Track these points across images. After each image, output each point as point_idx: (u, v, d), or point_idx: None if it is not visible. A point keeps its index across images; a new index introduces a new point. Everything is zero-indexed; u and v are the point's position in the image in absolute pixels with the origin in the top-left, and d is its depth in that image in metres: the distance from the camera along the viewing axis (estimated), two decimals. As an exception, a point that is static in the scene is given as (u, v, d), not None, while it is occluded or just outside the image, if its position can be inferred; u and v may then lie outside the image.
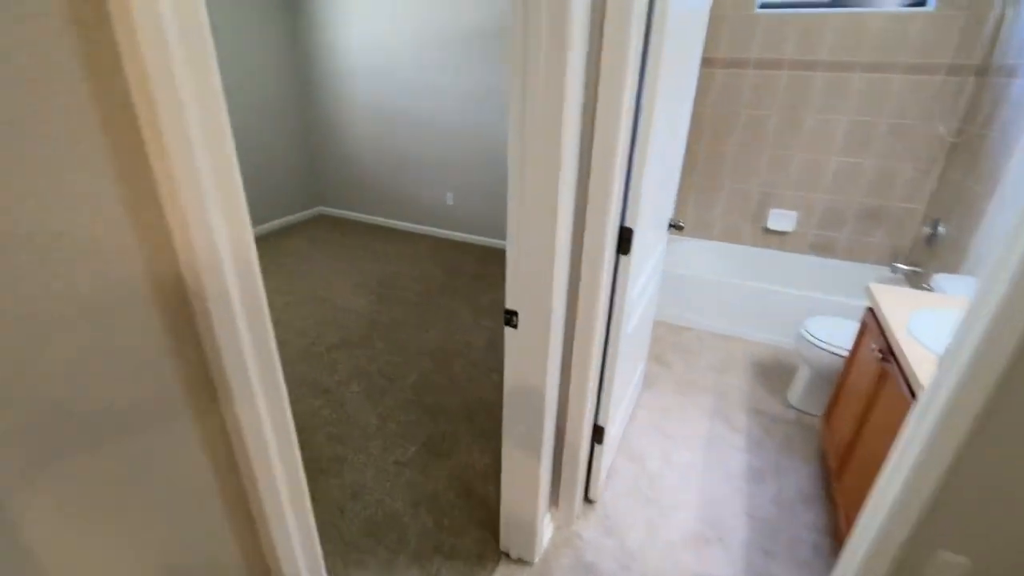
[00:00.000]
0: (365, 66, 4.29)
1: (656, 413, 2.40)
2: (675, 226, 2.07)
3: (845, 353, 2.09)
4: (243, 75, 4.10)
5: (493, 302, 3.44)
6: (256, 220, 4.50)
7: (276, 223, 4.72)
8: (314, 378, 2.58)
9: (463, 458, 2.10)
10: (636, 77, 1.20)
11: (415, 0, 3.86)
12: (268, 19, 4.19)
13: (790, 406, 2.48)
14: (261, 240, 4.41)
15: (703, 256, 3.50)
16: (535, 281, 1.24)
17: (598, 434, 1.74)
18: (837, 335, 2.21)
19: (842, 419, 1.91)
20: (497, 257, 4.23)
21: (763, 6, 2.94)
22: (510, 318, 1.31)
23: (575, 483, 1.72)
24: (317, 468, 2.03)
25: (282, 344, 2.86)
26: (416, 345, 2.90)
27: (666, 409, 2.43)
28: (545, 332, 1.29)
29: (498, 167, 4.10)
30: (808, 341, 2.25)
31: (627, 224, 1.39)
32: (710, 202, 3.42)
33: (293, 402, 2.40)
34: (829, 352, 2.17)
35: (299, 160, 4.82)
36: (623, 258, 1.44)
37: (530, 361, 1.35)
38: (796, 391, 2.47)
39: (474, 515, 1.85)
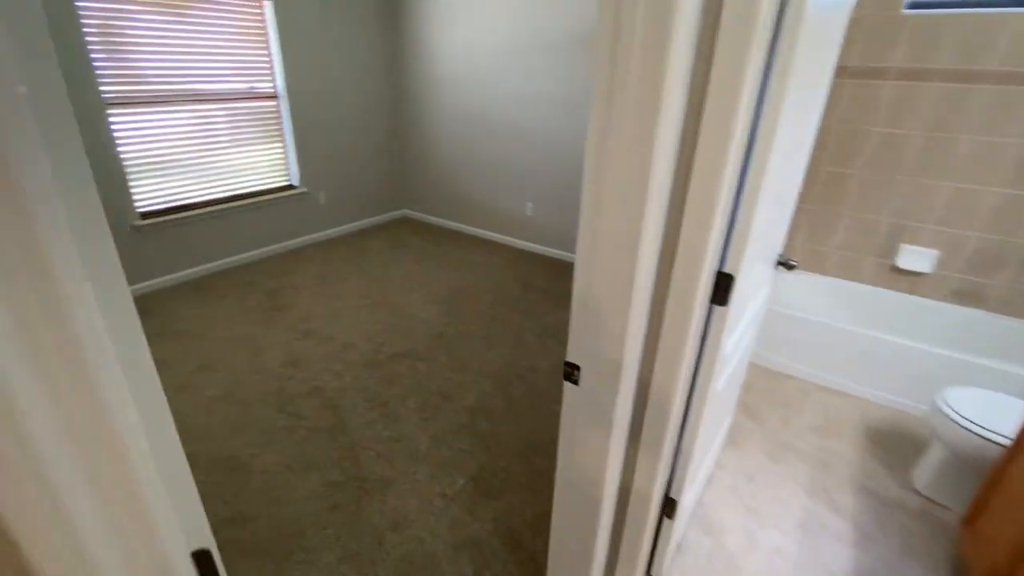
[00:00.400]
0: (455, 73, 4.27)
1: (740, 478, 2.06)
2: (785, 264, 1.74)
3: (1006, 442, 1.64)
4: (345, 77, 4.24)
5: (561, 322, 3.23)
6: (342, 220, 4.66)
7: (361, 223, 4.85)
8: (374, 389, 2.53)
9: (513, 501, 1.92)
10: (755, 94, 0.95)
11: (508, 7, 3.76)
12: (371, 27, 4.31)
13: (915, 491, 2.02)
14: (344, 240, 4.54)
15: (813, 293, 3.04)
16: (604, 333, 1.03)
17: (669, 507, 1.48)
18: (992, 415, 1.75)
19: (1000, 527, 1.49)
20: (571, 272, 4.01)
21: (913, 6, 2.47)
22: (571, 372, 1.11)
23: (636, 559, 1.47)
24: (362, 488, 1.95)
25: (349, 348, 2.86)
26: (479, 363, 2.77)
27: (753, 475, 2.08)
28: (612, 394, 1.07)
29: (580, 179, 3.88)
30: (949, 417, 1.81)
31: (726, 270, 1.13)
32: (826, 231, 2.96)
33: (350, 413, 2.40)
34: (980, 436, 1.72)
35: (388, 163, 4.93)
36: (718, 308, 1.18)
37: (592, 425, 1.14)
38: (925, 473, 2.01)
39: (519, 571, 1.66)
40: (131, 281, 3.34)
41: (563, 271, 4.03)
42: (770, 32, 0.91)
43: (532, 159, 4.12)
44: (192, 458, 2.05)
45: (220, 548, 1.72)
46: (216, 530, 1.79)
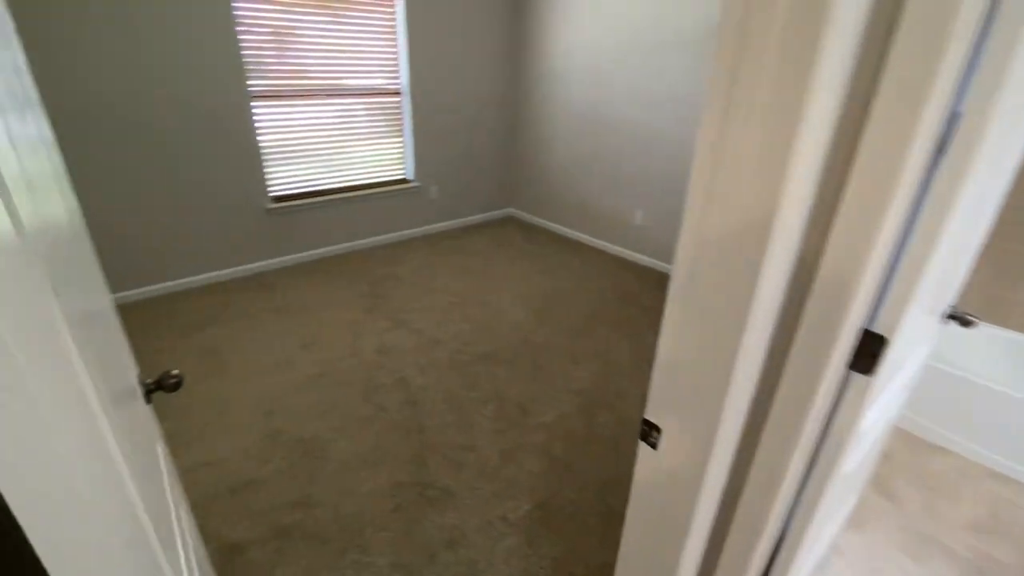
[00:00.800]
0: (573, 70, 4.11)
1: (863, 570, 1.67)
2: (959, 319, 1.35)
3: None
4: (465, 75, 4.31)
5: (663, 346, 2.94)
6: (450, 215, 4.76)
7: (468, 220, 4.92)
8: (453, 390, 2.50)
9: (578, 542, 1.75)
10: (948, 96, 0.68)
11: (636, 2, 3.51)
12: (494, 26, 4.32)
13: None
14: (450, 235, 4.64)
15: (989, 350, 2.42)
16: (695, 396, 0.83)
17: (761, 603, 1.21)
18: None
19: None
20: (681, 291, 3.66)
21: None
22: (649, 432, 0.92)
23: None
24: (424, 496, 1.90)
25: (436, 344, 2.87)
26: (563, 378, 2.62)
27: (880, 570, 1.67)
28: (697, 476, 0.86)
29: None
30: None
31: (877, 330, 0.86)
32: (1015, 274, 2.33)
33: (428, 411, 2.39)
34: None
35: (499, 161, 4.93)
36: (858, 377, 0.91)
37: (668, 504, 0.94)
38: None
39: (572, 625, 1.49)
40: (260, 258, 3.70)
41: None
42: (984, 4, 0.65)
43: (648, 163, 3.83)
44: (279, 435, 2.17)
45: (284, 529, 1.75)
46: (285, 509, 1.89)
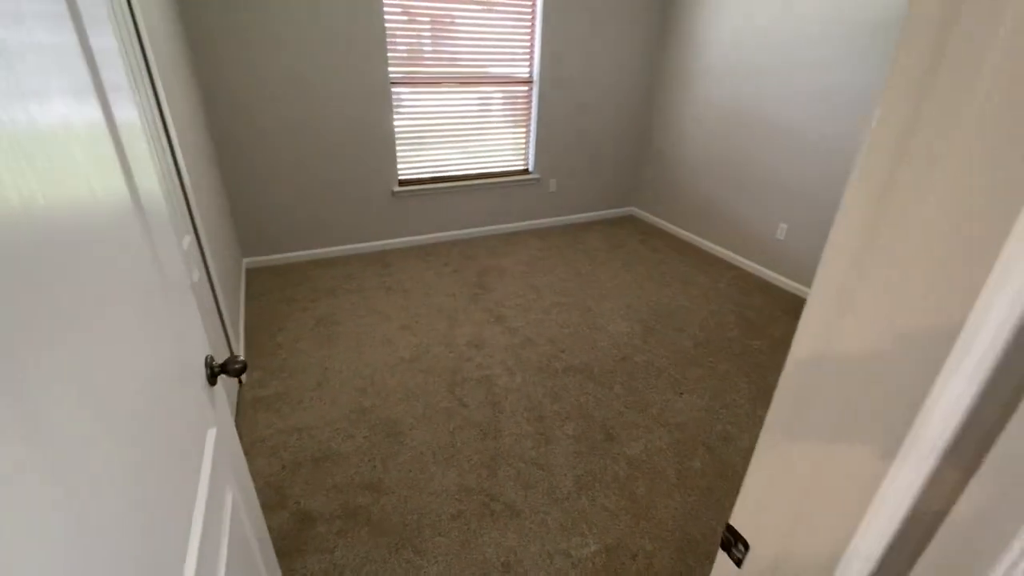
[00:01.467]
0: (724, 63, 3.64)
1: None
2: None
3: None
4: (599, 67, 4.08)
5: (789, 389, 2.50)
6: (567, 210, 4.60)
7: (584, 216, 4.72)
8: (538, 399, 2.38)
9: (645, 604, 1.53)
10: None
11: (818, -25, 2.96)
12: (636, 18, 4.01)
13: None
14: (564, 231, 4.48)
15: None
16: (805, 519, 0.59)
17: None
18: None
19: None
20: (823, 325, 3.09)
21: None
22: (731, 542, 0.70)
23: None
24: (489, 507, 1.82)
25: (528, 345, 2.77)
26: (660, 408, 2.35)
27: None
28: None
29: (869, 206, 2.90)
30: None
31: None
32: None
33: (508, 417, 2.30)
34: None
35: (625, 156, 4.63)
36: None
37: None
38: None
39: None
40: (382, 237, 3.92)
41: (808, 318, 3.15)
42: None
43: (801, 171, 3.27)
44: (366, 412, 2.24)
45: (352, 510, 1.76)
46: (358, 490, 1.94)
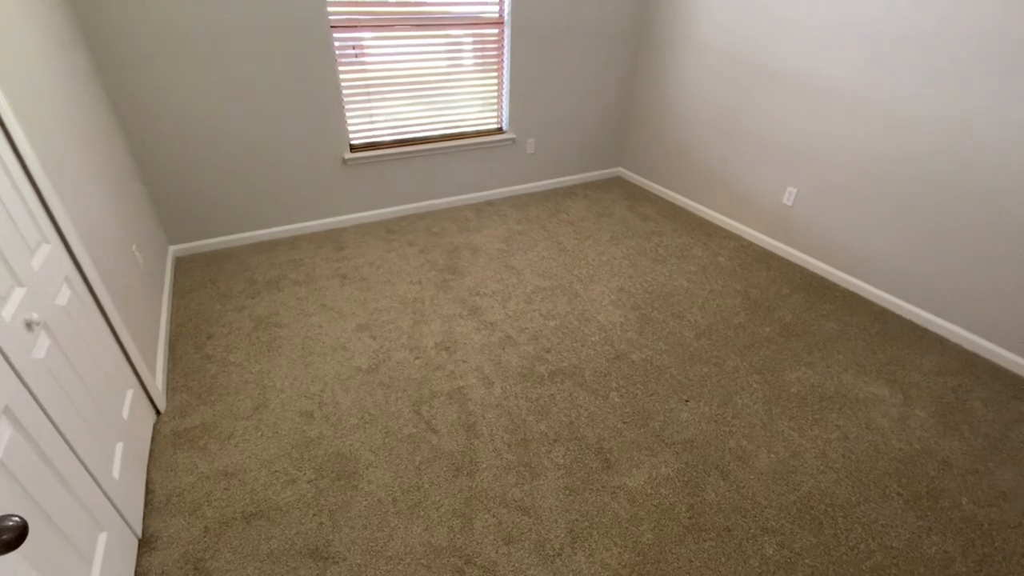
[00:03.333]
0: (724, 2, 3.10)
1: None
2: None
3: None
4: (583, 2, 3.47)
5: (810, 387, 2.18)
6: (547, 173, 4.10)
7: (567, 179, 4.23)
8: (520, 416, 2.00)
9: None
10: None
11: None
12: (625, -70, 3.37)
13: None
14: (545, 197, 4.00)
15: None
16: None
17: None
18: None
19: None
20: (835, 298, 2.76)
21: None
22: None
23: None
24: (456, 565, 1.47)
25: (508, 344, 2.37)
26: (664, 421, 2.00)
27: None
28: None
29: (877, 166, 2.50)
30: None
31: None
32: None
33: (485, 443, 1.91)
34: None
35: (611, 109, 4.10)
36: None
37: None
38: None
39: None
40: (334, 213, 3.40)
41: (823, 295, 2.81)
42: None
43: (811, 126, 2.84)
44: (312, 445, 1.85)
45: None
46: (298, 558, 1.48)
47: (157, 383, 2.02)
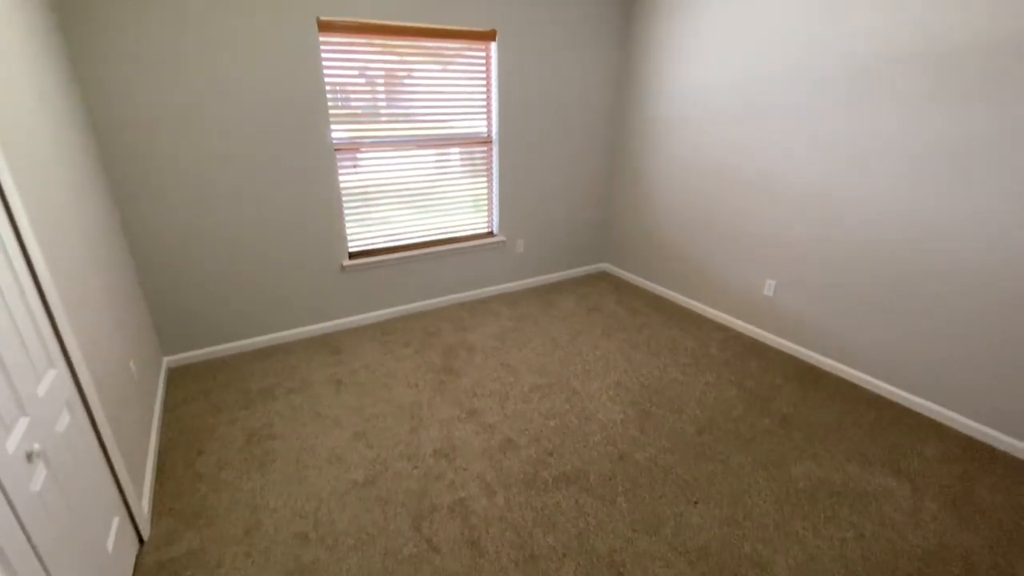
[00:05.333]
0: (689, 113, 3.48)
1: None
2: None
3: None
4: (560, 122, 3.86)
5: (818, 482, 2.14)
6: (536, 271, 4.27)
7: (556, 276, 4.40)
8: (527, 528, 1.92)
9: None
10: None
11: (781, 30, 2.84)
12: (598, 61, 3.85)
13: None
14: (535, 294, 4.13)
15: None
16: None
17: None
18: None
19: None
20: (827, 387, 2.80)
21: None
22: None
23: None
24: None
25: (509, 448, 2.33)
26: (675, 526, 1.93)
27: None
28: None
29: (851, 257, 2.69)
30: None
31: None
32: None
33: (491, 564, 1.70)
34: None
35: (593, 211, 4.39)
36: None
37: None
38: None
39: None
40: (330, 318, 3.45)
41: (816, 384, 2.86)
42: None
43: (783, 222, 3.07)
44: (308, 571, 1.73)
45: None
46: None
47: (143, 507, 1.92)
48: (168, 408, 2.66)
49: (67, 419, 1.48)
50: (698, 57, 3.36)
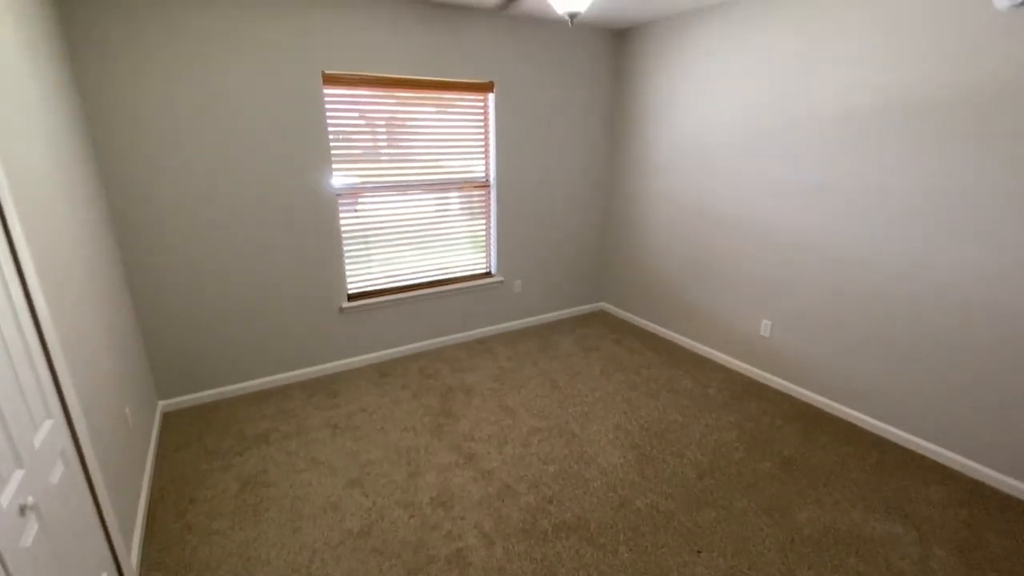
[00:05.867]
0: (683, 156, 3.60)
1: None
2: None
3: None
4: (556, 165, 3.98)
5: (819, 528, 2.10)
6: (534, 310, 4.29)
7: (554, 315, 4.42)
8: (525, 580, 1.87)
9: None
10: None
11: (762, 79, 2.98)
12: (590, 114, 4.01)
13: None
14: (534, 333, 4.14)
15: None
16: None
17: None
18: None
19: None
20: (828, 428, 2.78)
21: None
22: None
23: None
24: None
25: (508, 495, 2.29)
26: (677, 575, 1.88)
27: None
28: None
29: (846, 297, 2.73)
30: None
31: None
32: None
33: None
34: None
35: (591, 251, 4.46)
36: None
37: None
38: None
39: None
40: (327, 360, 3.44)
41: (816, 425, 2.84)
42: None
43: (775, 263, 3.12)
44: (295, 638, 1.66)
45: None
46: None
47: (132, 561, 1.87)
48: (161, 454, 2.62)
49: (61, 470, 1.46)
50: (688, 106, 3.50)
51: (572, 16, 1.98)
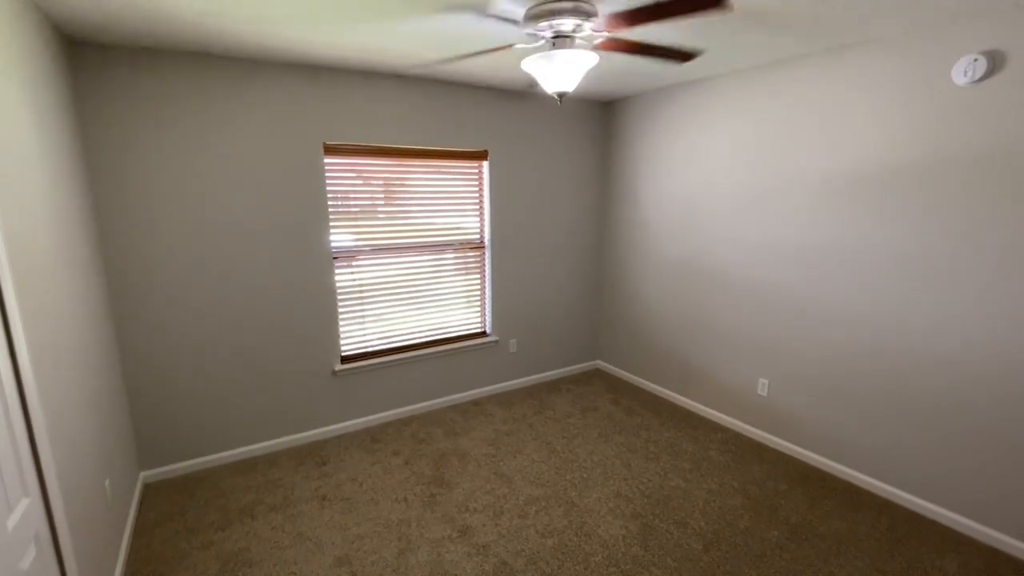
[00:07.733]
0: (672, 218, 3.72)
1: None
2: None
3: None
4: (549, 227, 4.08)
5: (835, 606, 1.99)
6: (530, 370, 4.25)
7: (549, 374, 4.38)
8: (524, 671, 1.73)
9: None
10: None
11: (746, 144, 3.14)
12: (581, 179, 4.17)
13: None
14: (529, 393, 4.08)
15: None
16: None
17: None
18: None
19: None
20: (834, 492, 2.70)
21: None
22: None
23: None
24: None
25: (504, 573, 2.16)
26: (688, 663, 1.76)
27: None
28: None
29: (842, 355, 2.73)
30: None
31: None
32: None
33: None
34: None
35: (585, 310, 4.48)
36: None
37: None
38: None
39: None
40: (317, 425, 3.35)
41: (822, 489, 2.76)
42: None
43: (771, 322, 3.14)
44: None
45: None
46: None
47: (97, 658, 1.72)
48: (139, 532, 2.48)
49: (32, 555, 1.38)
50: (675, 168, 3.65)
51: (560, 96, 2.11)
